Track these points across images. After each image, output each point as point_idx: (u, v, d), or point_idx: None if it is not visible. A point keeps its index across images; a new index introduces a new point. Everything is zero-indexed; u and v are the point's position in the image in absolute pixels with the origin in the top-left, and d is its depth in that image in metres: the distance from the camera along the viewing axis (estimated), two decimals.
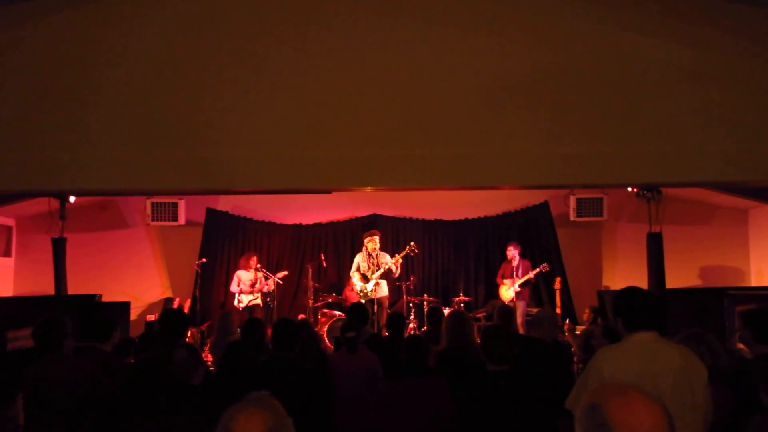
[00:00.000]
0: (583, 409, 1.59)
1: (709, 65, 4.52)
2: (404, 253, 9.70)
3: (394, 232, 11.17)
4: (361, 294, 9.49)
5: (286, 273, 10.18)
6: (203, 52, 4.60)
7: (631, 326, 3.09)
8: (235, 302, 9.92)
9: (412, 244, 9.79)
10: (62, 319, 4.04)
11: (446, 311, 7.82)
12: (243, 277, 9.94)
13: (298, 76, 4.57)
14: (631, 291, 3.22)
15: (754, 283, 10.21)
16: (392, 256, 9.83)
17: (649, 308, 3.11)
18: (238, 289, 9.90)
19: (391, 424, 3.97)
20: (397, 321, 5.90)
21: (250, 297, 9.85)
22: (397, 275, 9.80)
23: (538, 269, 9.77)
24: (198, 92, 4.60)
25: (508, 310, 6.46)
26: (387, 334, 6.14)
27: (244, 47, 4.58)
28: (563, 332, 8.52)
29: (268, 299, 9.91)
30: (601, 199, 10.04)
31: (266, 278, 9.93)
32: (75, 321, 4.27)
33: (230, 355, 4.92)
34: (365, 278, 9.57)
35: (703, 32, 4.57)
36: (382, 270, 9.52)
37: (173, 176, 4.66)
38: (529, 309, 9.52)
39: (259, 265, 9.97)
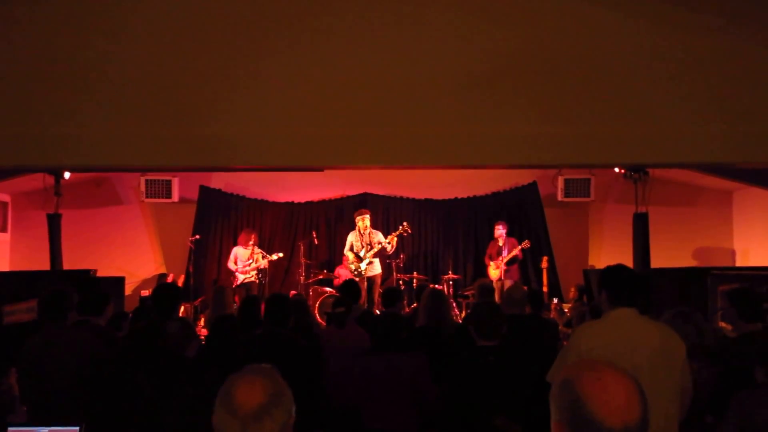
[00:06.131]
0: (557, 385, 1.60)
1: (697, 47, 4.55)
2: (397, 233, 9.68)
3: (384, 211, 11.25)
4: (356, 273, 9.50)
5: (281, 255, 10.15)
6: (200, 31, 4.61)
7: (614, 301, 3.16)
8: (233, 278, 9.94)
9: (405, 224, 9.79)
10: (69, 292, 4.12)
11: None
12: (240, 254, 9.87)
13: (291, 56, 4.61)
14: (618, 268, 3.30)
15: (737, 263, 10.35)
16: (384, 234, 9.86)
17: (632, 285, 3.19)
18: (236, 267, 9.82)
19: (368, 399, 3.92)
20: (394, 296, 5.90)
21: (246, 275, 9.83)
22: (391, 252, 9.82)
23: (520, 246, 9.83)
24: (194, 70, 4.63)
25: (488, 287, 6.46)
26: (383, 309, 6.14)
27: (239, 28, 4.60)
28: (549, 310, 8.67)
29: (259, 276, 9.95)
30: (589, 180, 10.15)
31: (262, 257, 9.90)
32: None
33: (218, 328, 4.97)
34: (359, 257, 9.59)
35: (691, 14, 4.56)
36: (375, 249, 9.54)
37: (168, 153, 4.70)
38: None
39: (251, 243, 9.86)
